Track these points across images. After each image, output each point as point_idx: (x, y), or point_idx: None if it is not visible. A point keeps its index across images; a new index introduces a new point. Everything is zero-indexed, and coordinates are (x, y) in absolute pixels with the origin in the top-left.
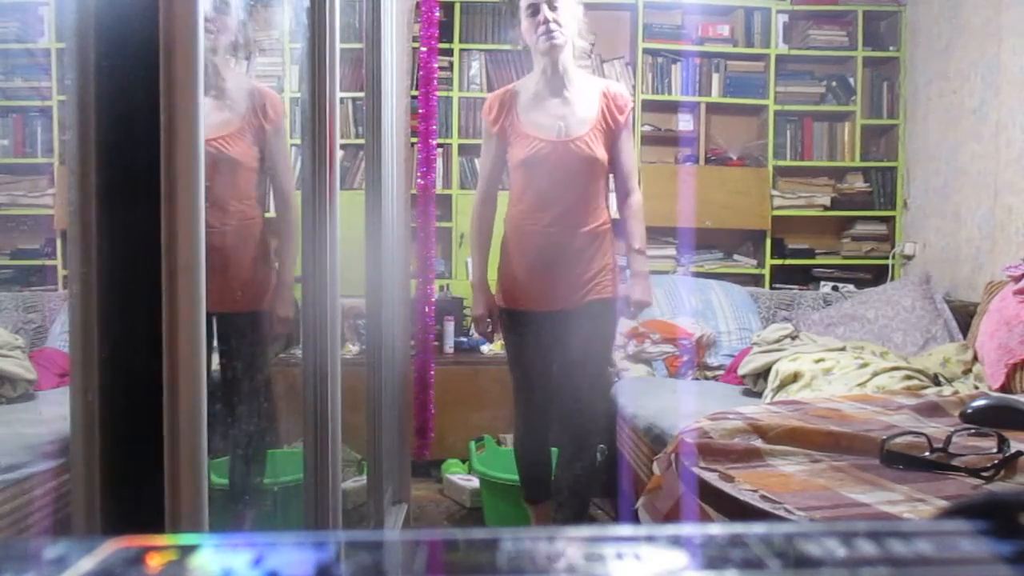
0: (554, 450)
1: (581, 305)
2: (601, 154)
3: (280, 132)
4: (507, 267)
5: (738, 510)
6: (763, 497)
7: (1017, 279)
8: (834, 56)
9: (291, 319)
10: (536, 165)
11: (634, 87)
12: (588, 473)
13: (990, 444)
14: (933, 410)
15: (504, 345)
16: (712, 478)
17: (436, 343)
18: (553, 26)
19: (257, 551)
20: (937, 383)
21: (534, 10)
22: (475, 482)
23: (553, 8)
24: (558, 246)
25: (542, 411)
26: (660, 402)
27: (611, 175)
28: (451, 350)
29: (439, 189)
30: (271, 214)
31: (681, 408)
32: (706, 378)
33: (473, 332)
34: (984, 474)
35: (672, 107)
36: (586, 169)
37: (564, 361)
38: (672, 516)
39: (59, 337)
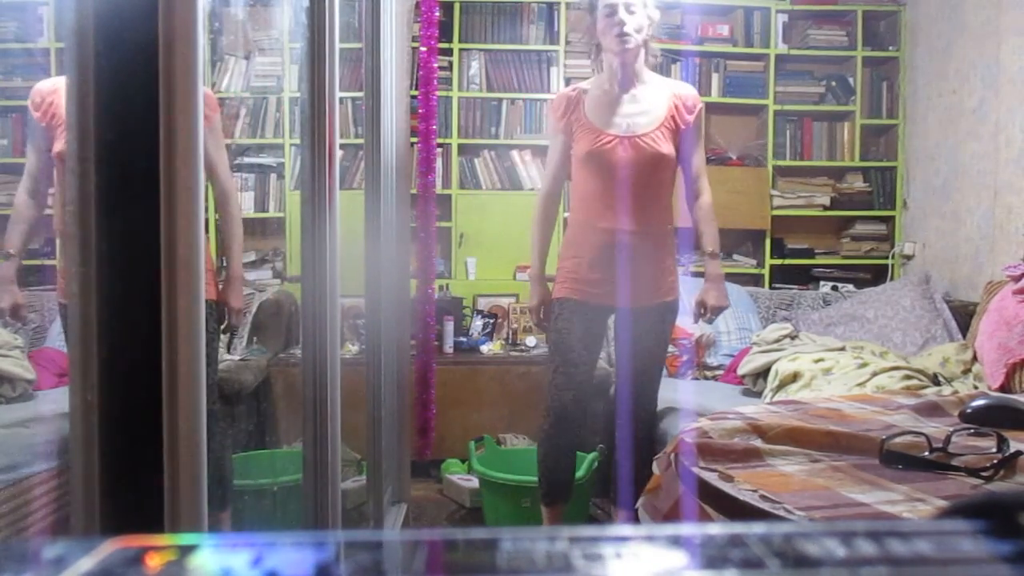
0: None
1: (648, 306)
2: (668, 151)
3: (215, 129)
4: (570, 259)
5: (738, 510)
6: (763, 497)
7: (1016, 279)
8: (834, 56)
9: (243, 310)
10: (601, 159)
11: None
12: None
13: (989, 444)
14: (932, 410)
15: (549, 336)
16: (712, 478)
17: (436, 343)
18: (628, 29)
19: (256, 551)
20: (936, 383)
21: (611, 10)
22: (475, 482)
23: (631, 12)
24: (624, 242)
25: (578, 409)
26: (660, 402)
27: (680, 175)
28: (451, 350)
29: (439, 189)
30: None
31: (681, 408)
32: (706, 378)
33: (473, 332)
34: (983, 474)
35: None
36: (652, 166)
37: (625, 361)
38: (671, 516)
39: (58, 337)
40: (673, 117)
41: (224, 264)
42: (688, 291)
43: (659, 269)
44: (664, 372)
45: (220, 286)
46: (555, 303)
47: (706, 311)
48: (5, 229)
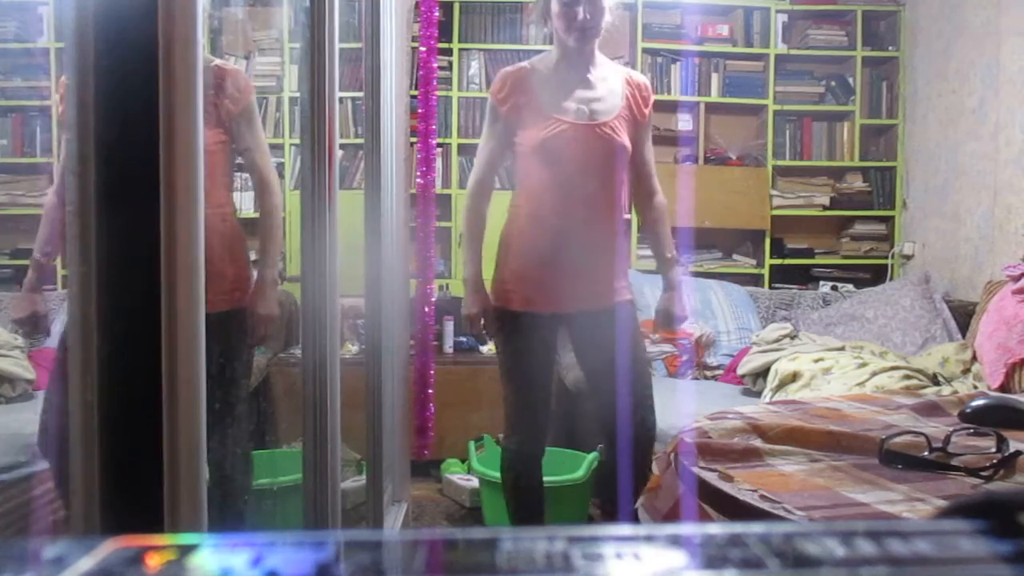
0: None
1: (608, 306)
2: (627, 143)
3: (248, 112)
4: (511, 263)
5: (737, 510)
6: (762, 497)
7: (1016, 279)
8: (833, 56)
9: (274, 319)
10: (556, 149)
11: None
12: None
13: (989, 444)
14: (932, 410)
15: (499, 353)
16: (711, 478)
17: (436, 343)
18: (585, 14)
19: (256, 551)
20: (936, 383)
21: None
22: (474, 482)
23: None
24: (577, 239)
25: (542, 430)
26: (659, 402)
27: (632, 173)
28: (451, 350)
29: (439, 189)
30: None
31: (680, 408)
32: (705, 378)
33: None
34: (983, 473)
35: (671, 107)
36: (611, 157)
37: (600, 369)
38: (671, 516)
39: (58, 336)
40: (630, 107)
41: (259, 265)
42: (689, 291)
43: (620, 268)
44: (665, 372)
45: (250, 291)
46: (497, 313)
47: (669, 322)
48: (5, 230)
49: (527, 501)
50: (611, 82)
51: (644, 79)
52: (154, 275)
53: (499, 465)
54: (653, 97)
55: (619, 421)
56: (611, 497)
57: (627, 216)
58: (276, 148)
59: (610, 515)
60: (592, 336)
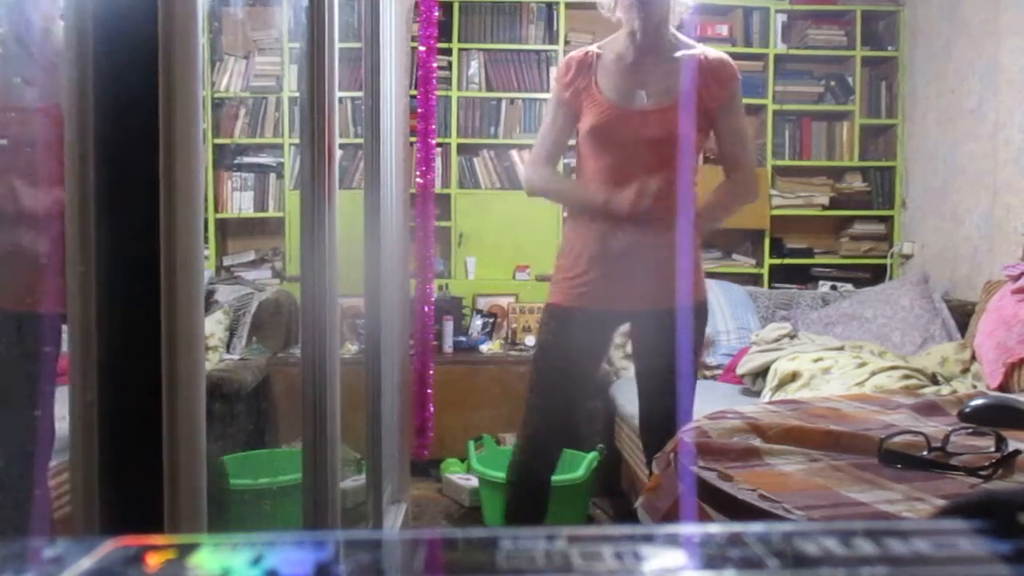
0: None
1: (668, 309)
2: (686, 131)
3: None
4: (568, 256)
5: (737, 509)
6: (762, 496)
7: (1015, 278)
8: (833, 56)
9: None
10: (607, 136)
11: None
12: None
13: (988, 443)
14: (931, 409)
15: (538, 345)
16: (711, 477)
17: (435, 343)
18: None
19: (256, 550)
20: (935, 382)
21: None
22: (474, 481)
23: None
24: (629, 234)
25: (557, 440)
26: None
27: (718, 152)
28: (450, 350)
29: (438, 188)
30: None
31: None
32: (705, 377)
33: (472, 331)
34: (982, 473)
35: None
36: (667, 146)
37: (651, 373)
38: (671, 515)
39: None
40: (700, 91)
41: None
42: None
43: (682, 266)
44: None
45: None
46: (546, 310)
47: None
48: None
49: (531, 506)
50: (683, 65)
51: (723, 59)
52: (153, 275)
53: (500, 464)
54: (738, 75)
55: (651, 439)
56: (612, 501)
57: (696, 209)
58: (276, 148)
59: (611, 518)
60: (646, 338)
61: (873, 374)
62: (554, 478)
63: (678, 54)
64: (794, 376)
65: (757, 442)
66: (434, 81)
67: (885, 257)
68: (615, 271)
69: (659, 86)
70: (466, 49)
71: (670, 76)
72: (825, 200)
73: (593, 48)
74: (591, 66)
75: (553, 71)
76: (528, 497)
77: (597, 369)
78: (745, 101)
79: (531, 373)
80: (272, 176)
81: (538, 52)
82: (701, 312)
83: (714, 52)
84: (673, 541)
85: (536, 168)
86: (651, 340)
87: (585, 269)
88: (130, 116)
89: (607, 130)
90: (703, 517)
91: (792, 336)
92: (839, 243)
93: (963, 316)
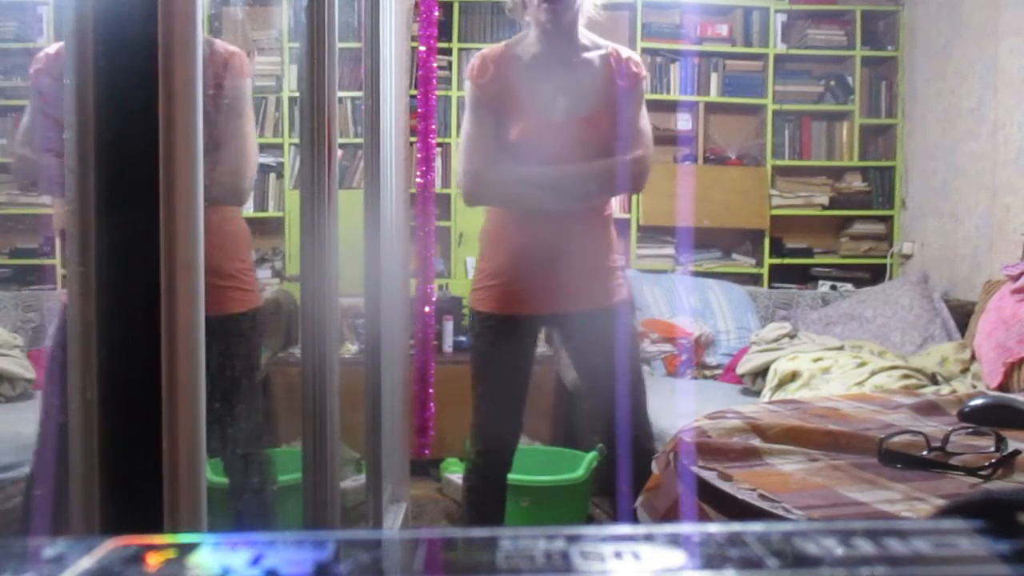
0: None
1: (596, 308)
2: (606, 137)
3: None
4: (493, 263)
5: (737, 509)
6: (761, 496)
7: (1015, 278)
8: (832, 56)
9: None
10: (528, 146)
11: None
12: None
13: (988, 443)
14: (931, 409)
15: (473, 356)
16: (711, 477)
17: (436, 342)
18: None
19: (256, 550)
20: (935, 382)
21: None
22: None
23: None
24: (554, 238)
25: (507, 446)
26: (658, 401)
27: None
28: (450, 349)
29: (438, 188)
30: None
31: (680, 407)
32: (705, 377)
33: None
34: (982, 473)
35: (671, 106)
36: (590, 151)
37: (590, 372)
38: (670, 515)
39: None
40: (608, 89)
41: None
42: (688, 290)
43: (604, 264)
44: (664, 371)
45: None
46: (473, 316)
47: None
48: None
49: (488, 519)
50: (595, 66)
51: (632, 53)
52: (153, 274)
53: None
54: (644, 73)
55: (617, 427)
56: (611, 501)
57: (608, 213)
58: (275, 147)
59: (611, 518)
60: (581, 339)
61: (873, 374)
62: (554, 478)
63: (589, 55)
64: (794, 376)
65: (757, 442)
66: (434, 81)
67: (885, 257)
68: (543, 274)
69: (577, 92)
70: (466, 49)
71: (586, 80)
72: (825, 200)
73: (505, 46)
74: (507, 66)
75: None
76: (487, 500)
77: (532, 366)
78: (745, 101)
79: (472, 379)
80: (272, 176)
81: None
82: (625, 310)
83: (625, 50)
84: (673, 541)
85: (492, 167)
86: (587, 342)
87: (514, 274)
88: (130, 116)
89: (531, 140)
90: (703, 517)
91: (792, 336)
92: (839, 243)
93: (963, 316)
